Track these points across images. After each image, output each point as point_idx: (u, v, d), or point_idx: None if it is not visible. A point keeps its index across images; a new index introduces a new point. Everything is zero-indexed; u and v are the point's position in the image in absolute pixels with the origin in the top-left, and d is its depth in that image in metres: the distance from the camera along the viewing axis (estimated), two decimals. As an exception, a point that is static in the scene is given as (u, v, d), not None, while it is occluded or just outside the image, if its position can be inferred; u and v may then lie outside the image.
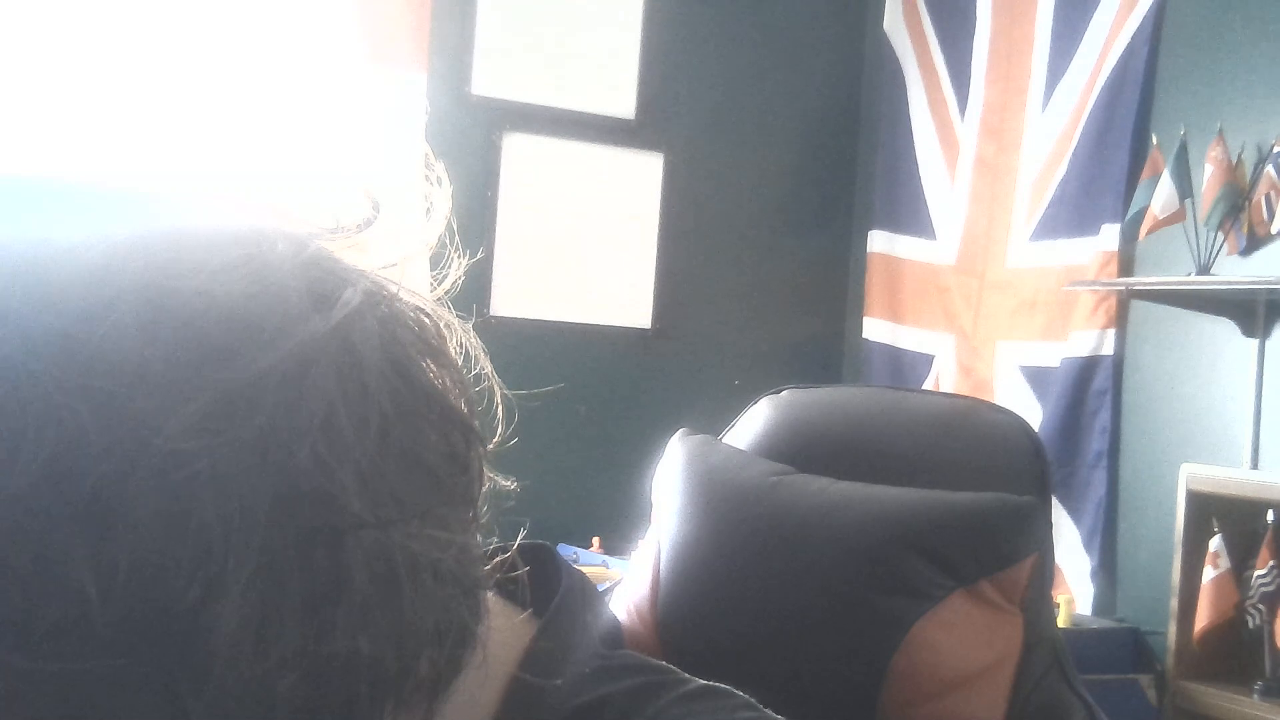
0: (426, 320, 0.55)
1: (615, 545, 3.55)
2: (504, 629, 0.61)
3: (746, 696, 0.62)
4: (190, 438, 0.45)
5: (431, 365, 0.54)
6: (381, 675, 0.49)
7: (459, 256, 0.62)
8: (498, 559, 0.62)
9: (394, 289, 0.54)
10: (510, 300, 3.92)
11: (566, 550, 3.62)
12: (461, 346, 0.57)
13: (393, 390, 0.50)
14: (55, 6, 3.17)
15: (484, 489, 0.56)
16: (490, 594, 0.61)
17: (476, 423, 0.55)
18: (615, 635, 0.65)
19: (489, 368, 0.59)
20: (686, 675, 0.63)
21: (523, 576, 0.63)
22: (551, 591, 0.64)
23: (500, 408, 0.60)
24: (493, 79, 3.89)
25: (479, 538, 0.56)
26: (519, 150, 3.93)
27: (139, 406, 0.45)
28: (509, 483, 0.58)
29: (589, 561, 3.50)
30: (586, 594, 0.65)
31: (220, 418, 0.46)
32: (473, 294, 3.84)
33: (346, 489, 0.47)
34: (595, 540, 3.66)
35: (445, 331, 0.56)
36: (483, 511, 0.56)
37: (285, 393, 0.47)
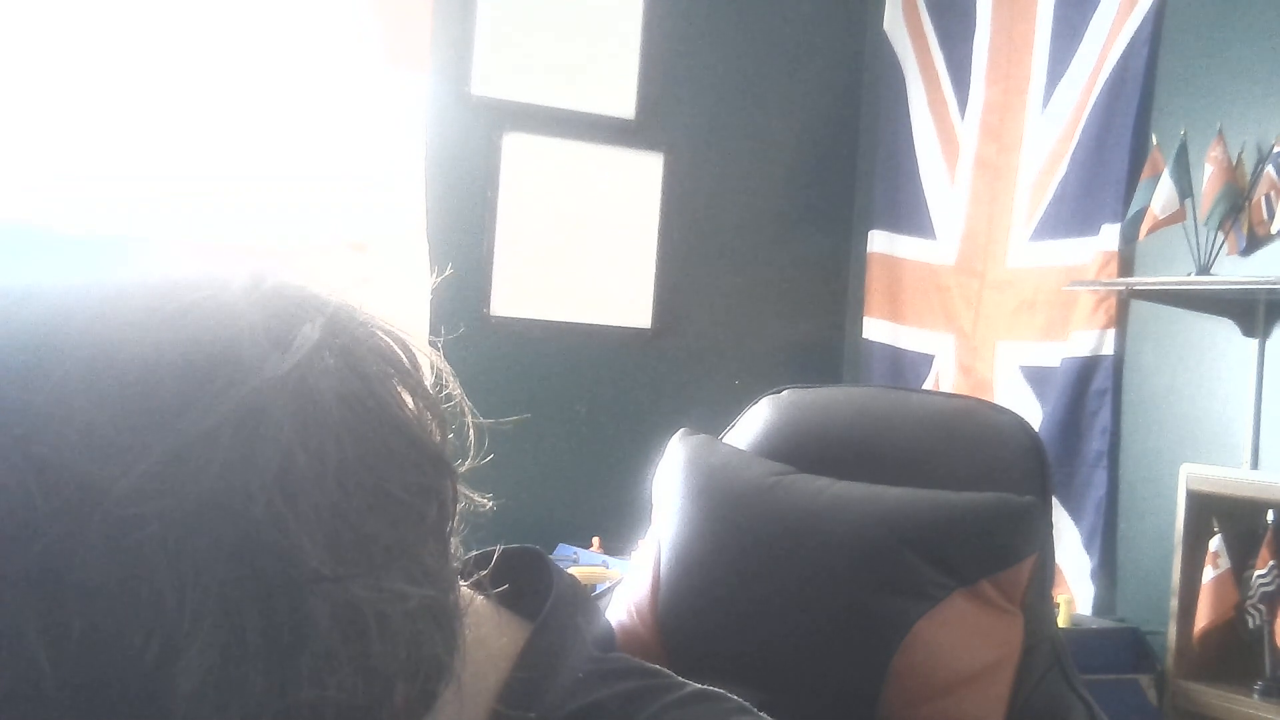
0: (395, 345, 0.53)
1: (615, 545, 3.55)
2: (496, 635, 0.60)
3: (740, 700, 0.62)
4: (140, 500, 0.44)
5: (401, 391, 0.52)
6: (352, 716, 0.47)
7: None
8: (488, 566, 0.62)
9: (360, 316, 0.53)
10: (510, 300, 3.92)
11: (566, 550, 3.62)
12: (432, 368, 0.56)
13: (354, 429, 0.49)
14: (53, 7, 3.17)
15: (459, 512, 0.54)
16: (481, 600, 0.61)
17: (447, 450, 0.54)
18: (608, 638, 0.65)
19: (459, 390, 0.57)
20: (680, 679, 0.63)
21: (515, 582, 0.63)
22: (544, 596, 0.63)
23: (471, 430, 0.58)
24: (493, 79, 3.89)
25: (454, 563, 0.54)
26: (519, 150, 3.93)
27: (86, 470, 0.44)
28: (485, 501, 0.56)
29: (589, 561, 3.49)
30: (578, 598, 0.65)
31: (170, 477, 0.44)
32: (473, 294, 3.84)
33: (303, 543, 0.46)
34: (595, 540, 3.66)
35: (416, 354, 0.54)
36: (460, 530, 0.55)
37: (238, 445, 0.45)
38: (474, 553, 0.61)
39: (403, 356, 0.53)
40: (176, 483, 0.44)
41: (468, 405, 0.58)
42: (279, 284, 0.51)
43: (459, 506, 0.54)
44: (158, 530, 0.44)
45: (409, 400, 0.52)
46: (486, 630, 0.60)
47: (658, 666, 0.64)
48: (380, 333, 0.53)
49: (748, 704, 0.62)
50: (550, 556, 0.67)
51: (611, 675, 0.61)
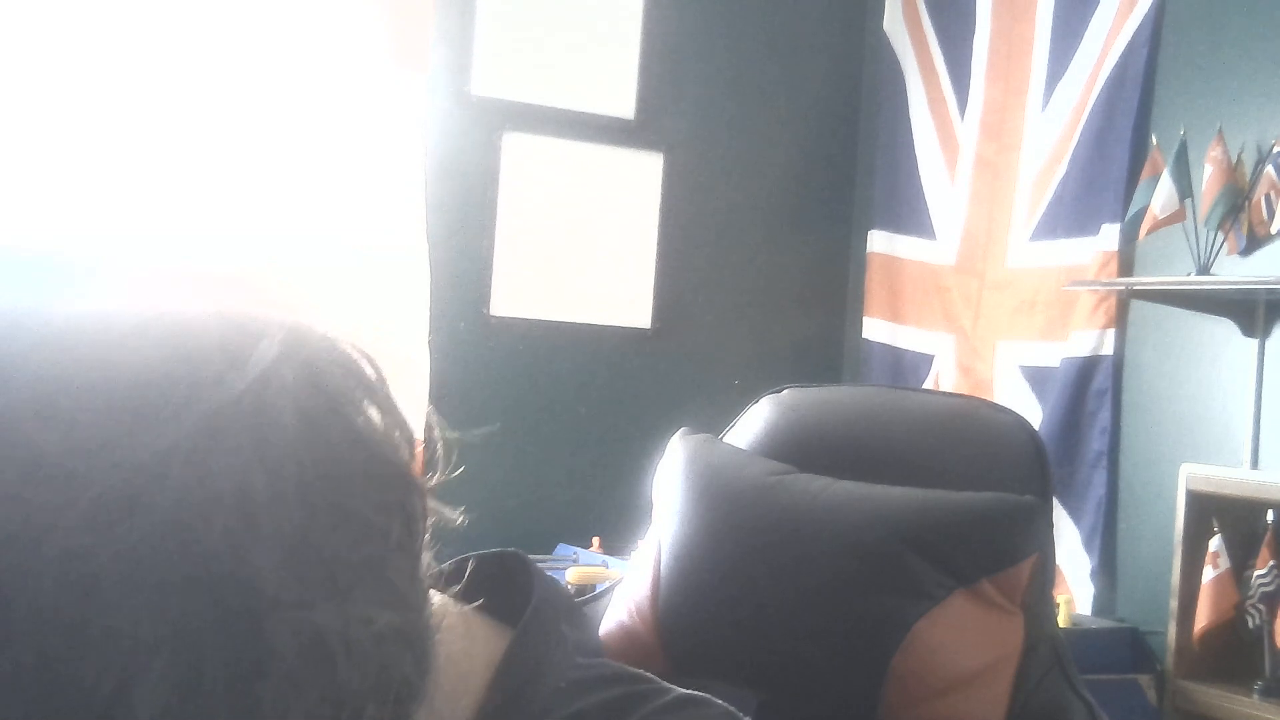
0: (359, 358, 0.52)
1: (615, 545, 3.55)
2: (472, 647, 0.59)
3: (725, 705, 0.61)
4: (90, 531, 0.42)
5: (367, 406, 0.50)
6: None
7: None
8: (465, 575, 0.61)
9: (321, 330, 0.51)
10: (510, 300, 3.92)
11: (566, 550, 3.62)
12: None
13: (315, 446, 0.47)
14: (52, 6, 3.17)
15: (428, 528, 0.52)
16: (457, 612, 0.59)
17: (414, 464, 0.52)
18: (594, 643, 0.64)
19: (429, 406, 0.56)
20: (666, 684, 0.62)
21: (495, 589, 0.62)
22: (525, 602, 0.62)
23: (441, 443, 0.57)
24: (493, 79, 3.89)
25: (425, 580, 0.53)
26: (519, 150, 3.93)
27: (34, 499, 0.42)
28: (456, 515, 0.55)
29: (589, 561, 3.49)
30: (561, 603, 0.64)
31: (121, 505, 0.43)
32: (473, 294, 3.84)
33: (263, 569, 0.44)
34: (595, 540, 3.66)
35: (380, 368, 0.52)
36: (432, 545, 0.53)
37: (193, 469, 0.44)
38: (450, 561, 0.60)
39: (367, 370, 0.52)
40: (128, 511, 0.43)
41: (435, 419, 0.57)
42: (235, 303, 0.50)
43: (428, 521, 0.53)
44: (109, 561, 0.42)
45: (374, 415, 0.51)
46: (463, 644, 0.59)
47: (642, 672, 0.63)
48: (343, 346, 0.52)
49: (733, 709, 0.61)
50: (532, 560, 0.66)
51: (595, 683, 0.60)
